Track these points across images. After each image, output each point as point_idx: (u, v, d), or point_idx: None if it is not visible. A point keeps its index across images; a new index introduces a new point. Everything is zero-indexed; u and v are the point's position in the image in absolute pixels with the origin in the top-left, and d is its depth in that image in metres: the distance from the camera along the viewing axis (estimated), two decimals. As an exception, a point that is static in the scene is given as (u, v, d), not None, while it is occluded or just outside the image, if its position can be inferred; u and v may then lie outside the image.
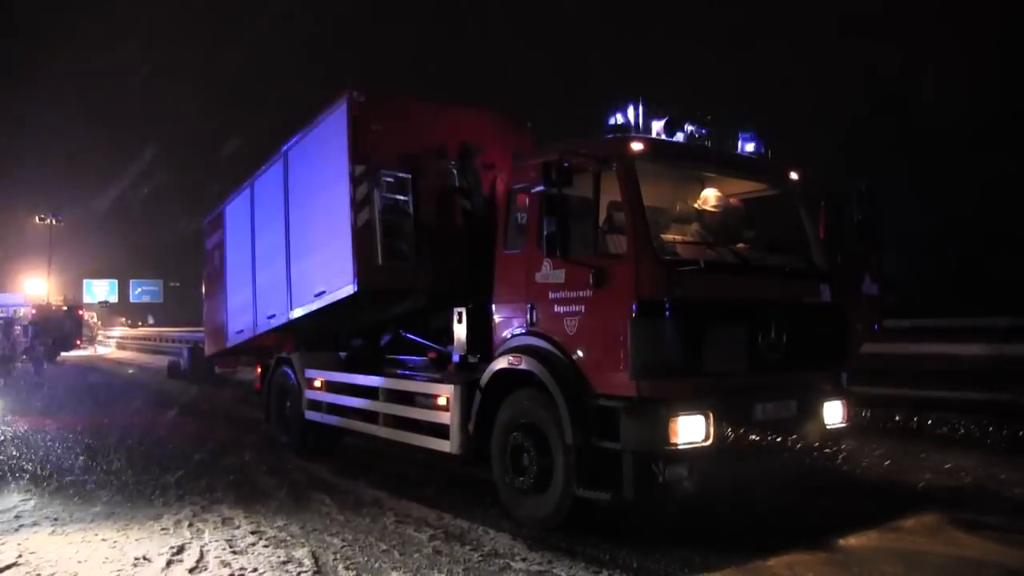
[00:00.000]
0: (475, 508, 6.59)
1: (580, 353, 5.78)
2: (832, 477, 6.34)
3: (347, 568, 5.09)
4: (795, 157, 6.96)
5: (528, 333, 6.22)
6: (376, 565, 5.16)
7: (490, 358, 6.54)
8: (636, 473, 5.27)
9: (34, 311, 35.45)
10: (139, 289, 59.06)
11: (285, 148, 9.39)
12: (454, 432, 6.76)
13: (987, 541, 5.63)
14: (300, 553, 5.39)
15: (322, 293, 8.32)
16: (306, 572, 5.02)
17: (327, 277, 8.18)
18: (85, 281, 56.10)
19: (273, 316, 9.78)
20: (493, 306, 6.66)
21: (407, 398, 7.67)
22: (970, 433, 8.43)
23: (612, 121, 6.02)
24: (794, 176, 6.70)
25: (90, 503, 6.76)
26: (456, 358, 7.11)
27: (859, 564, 5.13)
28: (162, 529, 6.01)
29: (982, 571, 5.11)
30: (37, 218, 46.64)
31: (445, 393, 6.92)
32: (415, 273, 7.62)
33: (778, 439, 5.69)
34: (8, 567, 5.10)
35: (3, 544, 5.58)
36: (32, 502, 6.77)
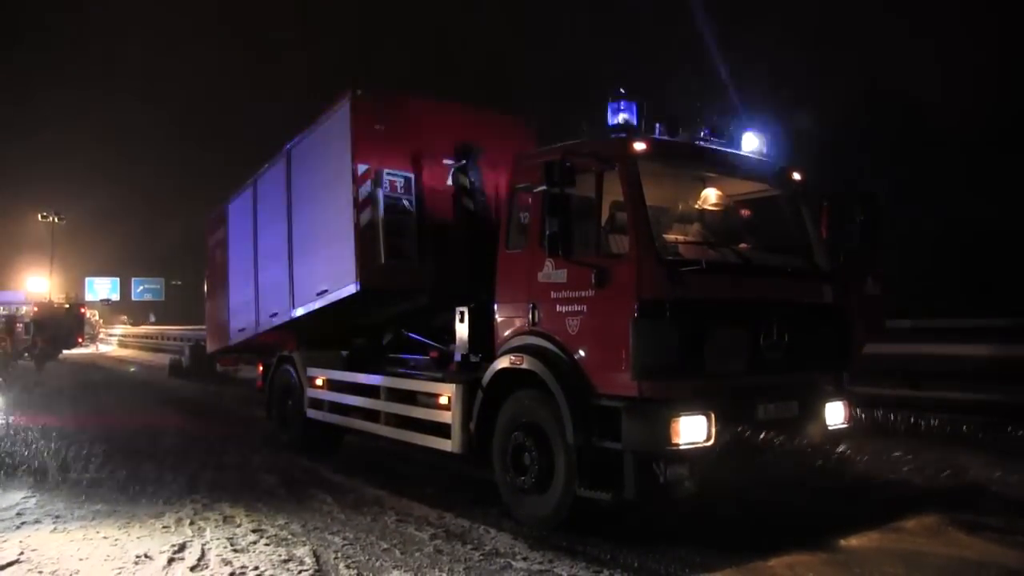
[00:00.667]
0: (476, 507, 6.60)
1: (582, 353, 5.78)
2: (833, 478, 6.33)
3: (348, 567, 5.09)
4: (797, 157, 6.97)
5: (530, 333, 6.22)
6: (377, 564, 5.16)
7: (492, 357, 6.54)
8: (637, 473, 5.28)
9: (36, 309, 35.45)
10: (141, 287, 59.03)
11: (288, 147, 9.41)
12: (455, 431, 6.76)
13: (988, 542, 5.63)
14: (301, 551, 5.39)
15: (324, 292, 8.33)
16: (307, 570, 5.03)
17: (330, 276, 8.19)
18: (87, 279, 56.07)
19: (275, 314, 9.79)
20: (495, 305, 6.66)
21: (409, 397, 7.67)
22: (971, 434, 8.43)
23: (614, 121, 6.02)
24: (796, 176, 6.70)
25: (91, 501, 6.76)
26: (458, 357, 7.12)
27: (860, 565, 5.13)
28: (163, 527, 6.02)
29: (983, 572, 5.10)
30: (39, 216, 46.65)
31: (447, 392, 6.92)
32: (417, 273, 7.63)
33: (780, 440, 5.69)
34: (10, 564, 5.11)
35: (5, 541, 5.58)
36: (33, 499, 6.78)
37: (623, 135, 5.90)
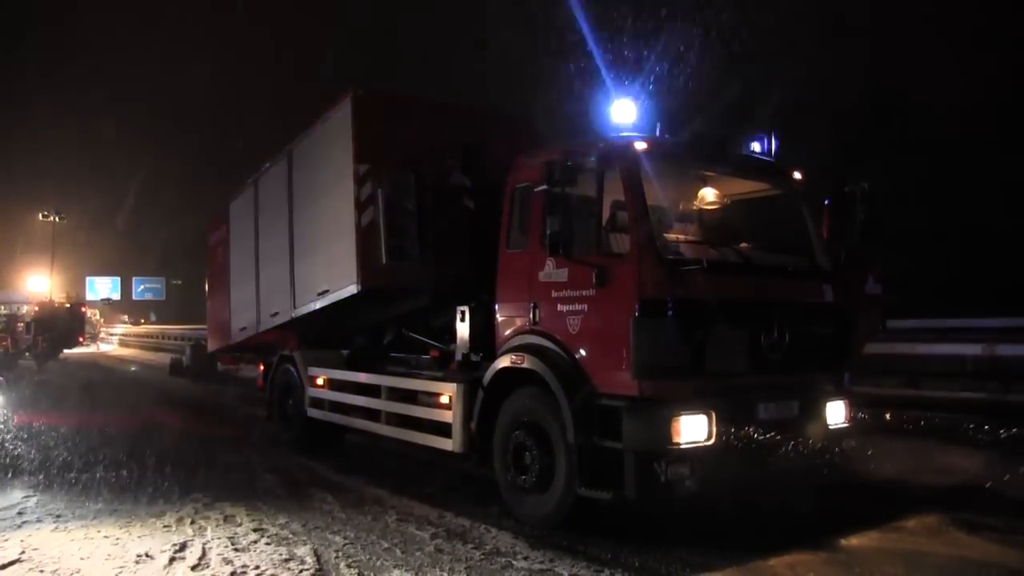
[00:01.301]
0: (477, 506, 6.60)
1: (583, 352, 5.79)
2: (834, 477, 6.33)
3: (349, 566, 5.10)
4: (799, 157, 6.97)
5: (531, 332, 6.22)
6: (378, 563, 5.17)
7: (493, 357, 6.54)
8: (638, 473, 5.28)
9: (37, 308, 35.44)
10: (142, 286, 59.05)
11: (290, 146, 9.40)
12: (456, 430, 6.76)
13: (988, 542, 5.63)
14: (302, 551, 5.39)
15: (325, 292, 8.32)
16: (308, 570, 5.03)
17: (331, 276, 8.18)
18: (88, 278, 56.11)
19: (276, 314, 9.79)
20: (496, 305, 6.67)
21: (409, 396, 7.67)
22: (972, 433, 8.43)
23: (615, 120, 6.02)
24: (798, 176, 6.70)
25: (92, 500, 6.77)
26: (459, 356, 7.12)
27: (860, 564, 5.14)
28: (164, 526, 6.02)
29: (983, 572, 5.11)
30: (40, 215, 46.65)
31: (448, 391, 6.92)
32: (419, 273, 7.60)
33: (780, 439, 5.69)
34: (11, 563, 5.11)
35: (6, 541, 5.59)
36: (35, 499, 6.78)
37: (624, 134, 5.90)
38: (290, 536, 5.77)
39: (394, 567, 5.09)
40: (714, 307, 5.59)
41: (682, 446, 5.26)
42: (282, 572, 5.00)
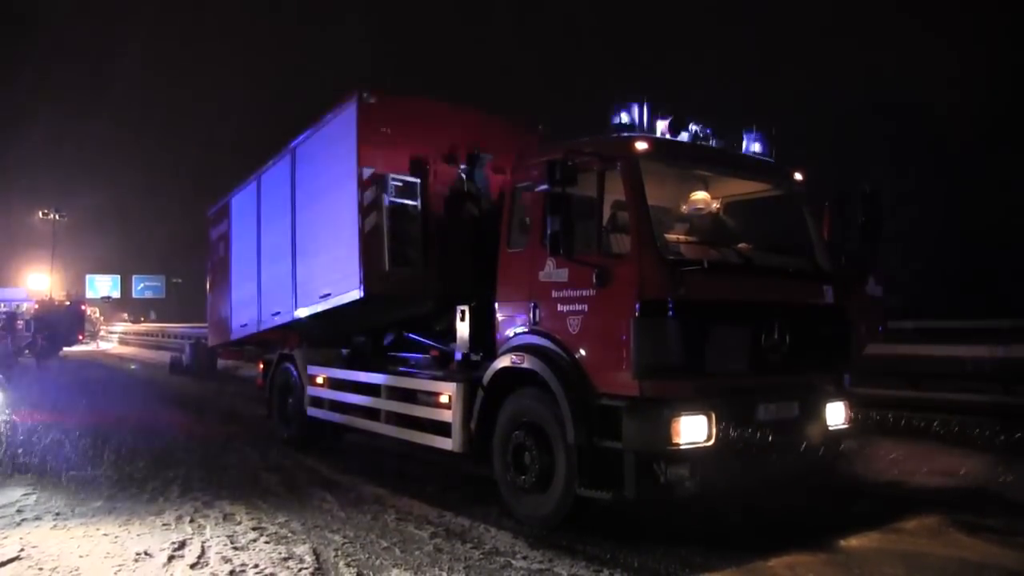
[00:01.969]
0: (476, 506, 6.60)
1: (583, 352, 5.78)
2: (834, 478, 6.33)
3: (348, 565, 5.10)
4: (800, 157, 6.97)
5: (531, 332, 6.22)
6: (377, 562, 5.17)
7: (493, 356, 6.54)
8: (638, 473, 5.28)
9: (36, 306, 35.44)
10: (141, 285, 59.07)
11: (294, 144, 9.35)
12: (456, 430, 6.76)
13: (988, 543, 5.63)
14: (301, 550, 5.39)
15: (327, 295, 8.28)
16: (307, 569, 5.03)
17: (333, 280, 8.12)
18: (88, 276, 56.13)
19: (278, 314, 9.78)
20: (496, 304, 6.66)
21: (409, 395, 7.66)
22: (972, 435, 8.41)
23: (617, 120, 6.02)
24: (798, 177, 6.69)
25: (92, 498, 6.77)
26: (459, 356, 7.12)
27: (860, 565, 5.14)
28: (163, 524, 6.02)
29: (983, 573, 5.11)
30: (40, 213, 46.63)
31: (447, 391, 6.92)
32: (423, 280, 7.52)
33: (780, 440, 5.69)
34: (10, 561, 5.11)
35: (5, 538, 5.59)
36: (34, 496, 6.78)
37: (625, 134, 5.90)
38: (289, 535, 5.77)
39: (393, 566, 5.09)
40: (714, 308, 5.59)
41: (682, 447, 5.25)
42: (281, 571, 5.00)
